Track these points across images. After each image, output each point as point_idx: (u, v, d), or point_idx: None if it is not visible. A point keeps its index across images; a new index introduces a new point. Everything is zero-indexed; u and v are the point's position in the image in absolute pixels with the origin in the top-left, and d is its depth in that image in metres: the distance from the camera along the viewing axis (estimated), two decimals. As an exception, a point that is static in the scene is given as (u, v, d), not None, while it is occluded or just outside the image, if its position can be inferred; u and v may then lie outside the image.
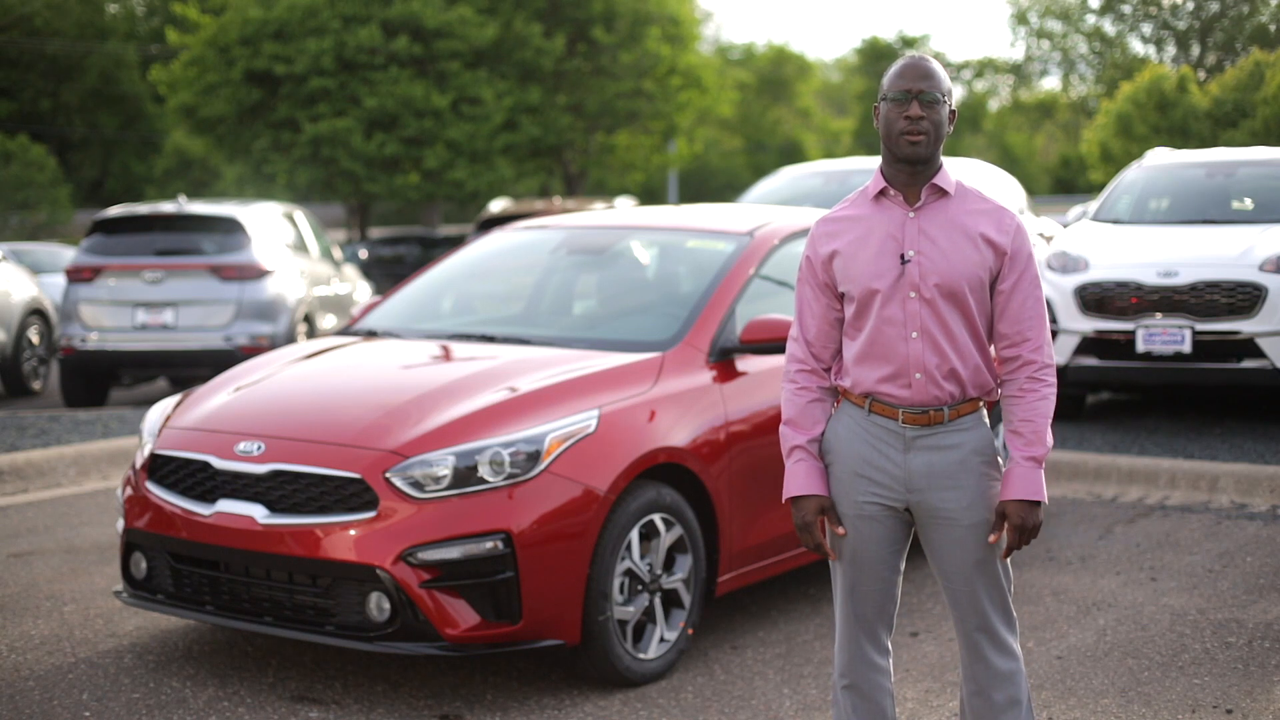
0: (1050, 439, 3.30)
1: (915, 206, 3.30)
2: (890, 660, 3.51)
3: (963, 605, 3.38)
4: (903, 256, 3.26)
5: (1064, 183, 56.33)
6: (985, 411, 3.38)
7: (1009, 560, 3.40)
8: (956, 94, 63.60)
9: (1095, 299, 9.18)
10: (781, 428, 3.43)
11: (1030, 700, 3.43)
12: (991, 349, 3.37)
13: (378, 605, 4.52)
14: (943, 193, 3.31)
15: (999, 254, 3.27)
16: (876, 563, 3.39)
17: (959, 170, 12.22)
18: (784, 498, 3.40)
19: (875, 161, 11.81)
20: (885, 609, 3.45)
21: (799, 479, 3.37)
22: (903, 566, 3.48)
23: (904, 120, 3.23)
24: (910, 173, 3.29)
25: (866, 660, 3.46)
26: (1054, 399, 3.31)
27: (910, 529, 3.43)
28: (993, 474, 3.34)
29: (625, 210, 8.19)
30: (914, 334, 3.26)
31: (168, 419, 5.26)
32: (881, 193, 3.33)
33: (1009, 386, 3.33)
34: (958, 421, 3.31)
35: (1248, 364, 8.87)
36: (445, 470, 4.55)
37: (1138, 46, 49.06)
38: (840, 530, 3.37)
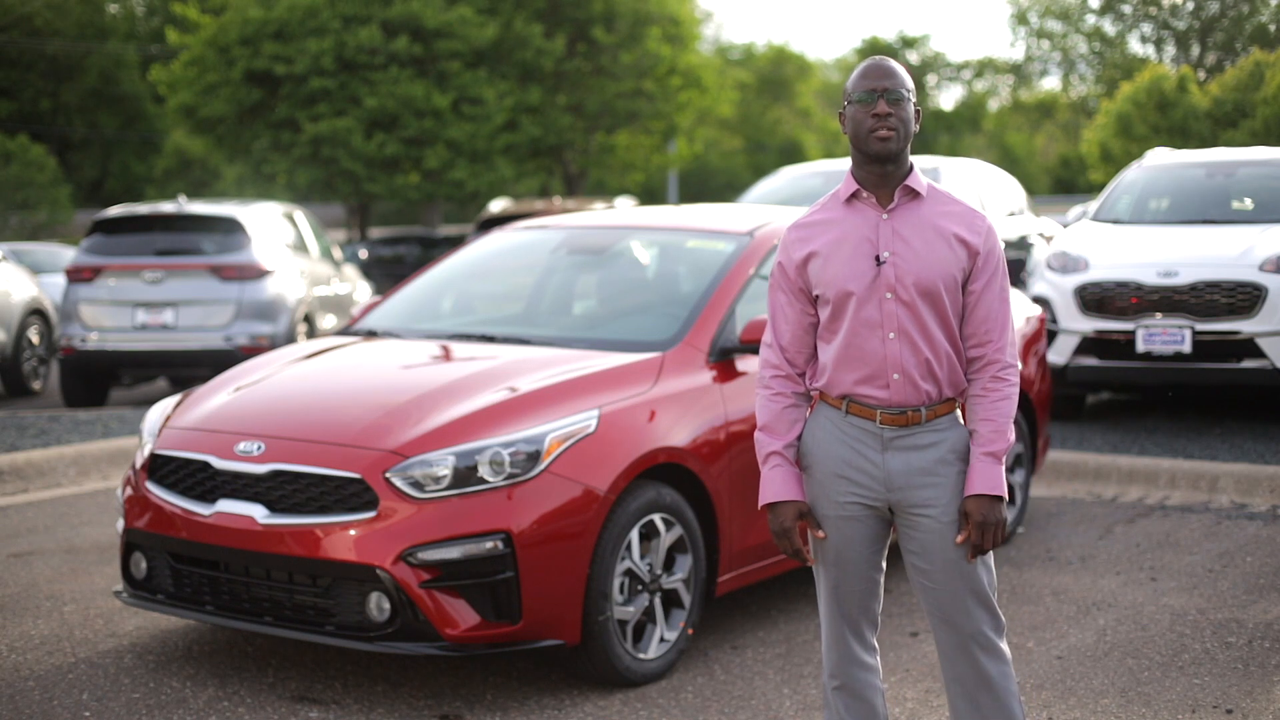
0: (1011, 436, 3.31)
1: (888, 208, 3.32)
2: (878, 658, 3.52)
3: (945, 605, 3.37)
4: (878, 258, 3.28)
5: (1064, 183, 56.33)
6: (960, 413, 3.40)
7: (991, 559, 3.39)
8: (956, 94, 63.78)
9: (1095, 299, 9.17)
10: (757, 434, 3.44)
11: (1020, 702, 3.42)
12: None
13: (378, 605, 4.52)
14: (915, 194, 3.33)
15: (972, 254, 3.30)
16: (860, 562, 3.40)
17: (958, 170, 12.22)
18: (760, 504, 3.40)
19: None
20: (870, 607, 3.46)
21: (775, 485, 3.38)
22: (884, 565, 3.49)
23: (872, 118, 3.26)
24: (881, 173, 3.31)
25: (855, 660, 3.46)
26: (1015, 399, 3.33)
27: (890, 527, 3.44)
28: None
29: (625, 210, 8.19)
30: (891, 334, 3.28)
31: (168, 419, 5.26)
32: (854, 195, 3.35)
33: (972, 386, 3.35)
34: (934, 422, 3.32)
35: (1248, 364, 8.87)
36: (445, 470, 4.55)
37: (1137, 46, 49.08)
38: (820, 534, 3.38)
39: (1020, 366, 3.35)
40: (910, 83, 3.31)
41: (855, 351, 3.31)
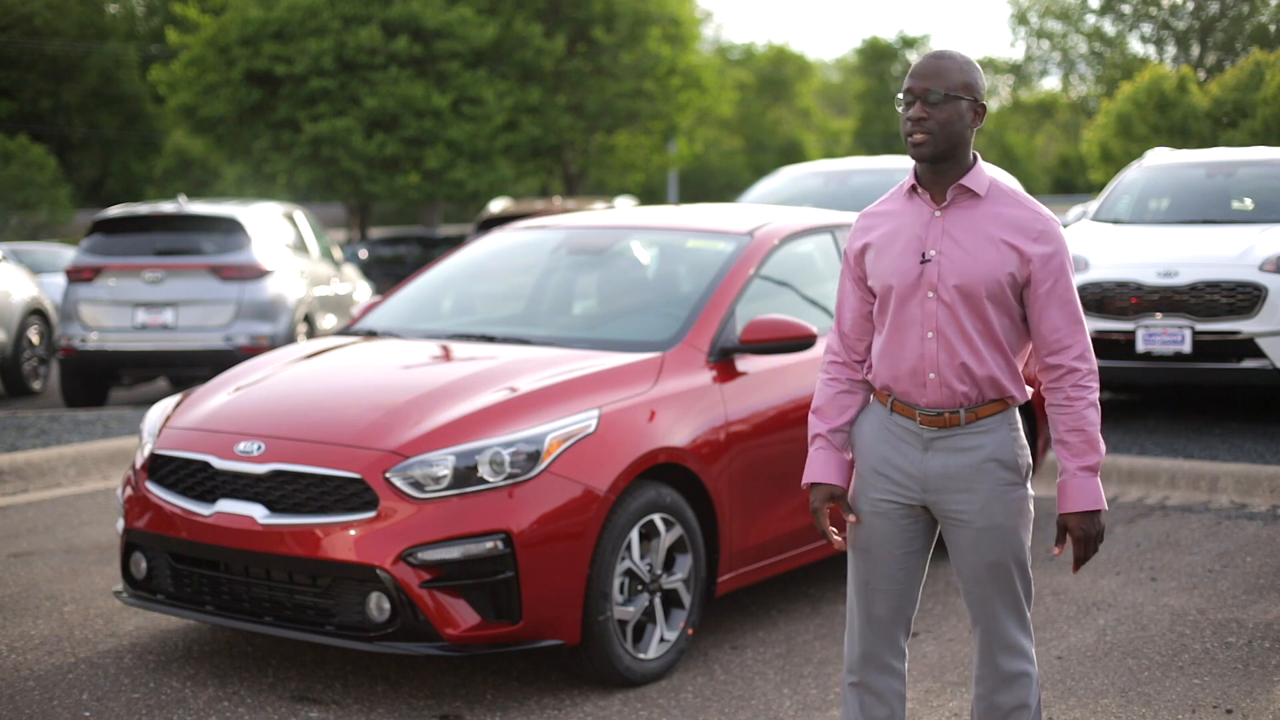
0: (1102, 446, 3.27)
1: (942, 206, 3.28)
2: (905, 664, 3.48)
3: (976, 606, 3.37)
4: (923, 256, 3.25)
5: (1064, 183, 56.30)
6: (1015, 413, 3.32)
7: (1029, 567, 3.36)
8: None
9: (1095, 299, 9.18)
10: (810, 415, 3.47)
11: (1040, 706, 3.41)
12: (1020, 357, 3.33)
13: (378, 605, 4.52)
14: (972, 194, 3.27)
15: (1024, 260, 3.21)
16: (889, 561, 3.39)
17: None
18: (802, 482, 3.44)
19: (875, 161, 11.78)
20: (902, 611, 3.43)
21: (814, 467, 3.41)
22: (922, 569, 3.45)
23: (908, 121, 3.23)
24: (933, 171, 3.27)
25: (877, 660, 3.44)
26: (1098, 406, 3.27)
27: (932, 531, 3.42)
28: (1011, 479, 3.30)
29: (625, 210, 8.19)
30: (930, 334, 3.25)
31: (168, 419, 5.26)
32: (913, 189, 3.33)
33: (1054, 395, 3.28)
34: (976, 424, 3.28)
35: (1248, 364, 8.87)
36: (445, 470, 4.55)
37: (1137, 46, 49.04)
38: (852, 518, 3.39)
39: (1095, 372, 3.29)
40: (960, 79, 3.21)
41: (896, 347, 3.30)
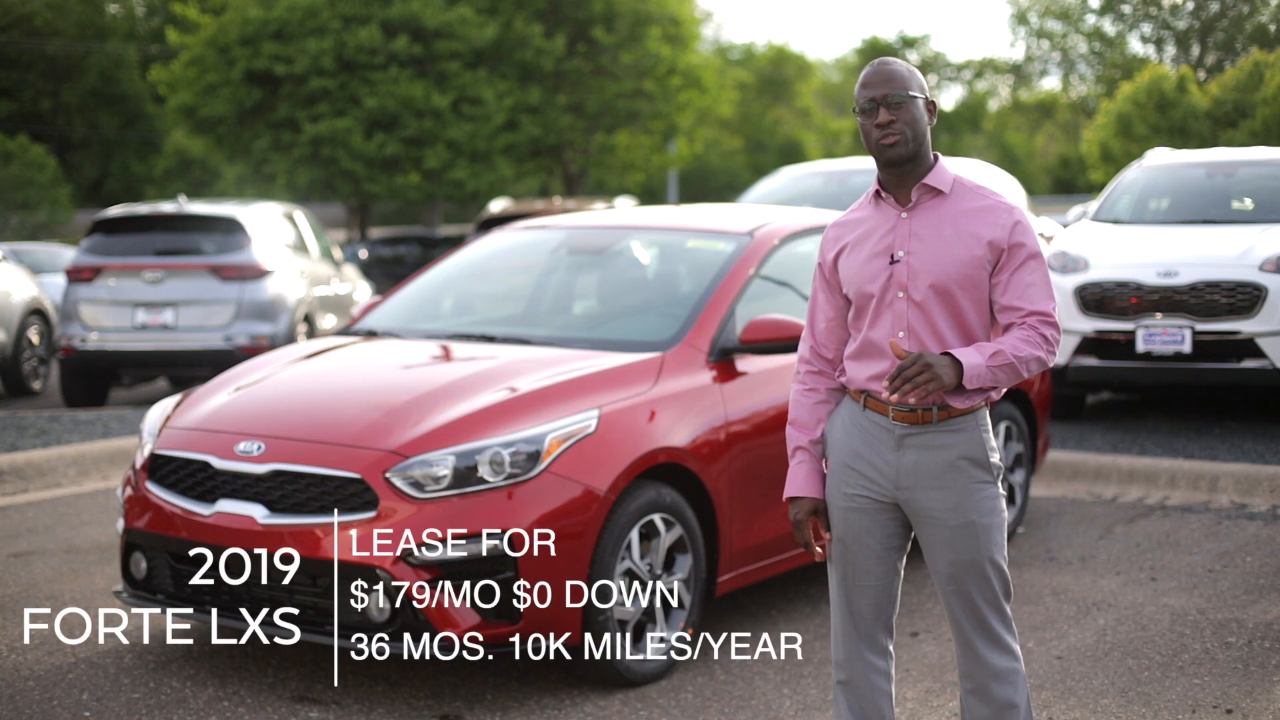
0: (1006, 361, 3.18)
1: (908, 207, 3.34)
2: (891, 663, 3.51)
3: (955, 604, 3.39)
4: (892, 257, 3.31)
5: (1064, 183, 56.28)
6: (985, 414, 3.37)
7: (1004, 562, 3.38)
8: (956, 94, 63.70)
9: (1095, 299, 9.18)
10: (787, 427, 3.50)
11: (1030, 701, 3.43)
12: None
13: (377, 605, 4.52)
14: (936, 192, 3.33)
15: (995, 250, 3.28)
16: (866, 556, 3.42)
17: (960, 168, 12.21)
18: (784, 496, 3.47)
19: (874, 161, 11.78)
20: (882, 609, 3.46)
21: (797, 480, 3.45)
22: (900, 568, 3.48)
23: (876, 129, 3.29)
24: (899, 174, 3.34)
25: (863, 659, 3.47)
26: (1039, 349, 3.22)
27: (908, 531, 3.45)
28: (983, 477, 3.33)
29: (625, 210, 8.20)
30: (901, 333, 3.30)
31: (168, 419, 5.26)
32: (878, 195, 3.38)
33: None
34: (949, 422, 3.31)
35: (1248, 364, 8.87)
36: (445, 470, 4.55)
37: (1138, 46, 49.05)
38: (826, 536, 3.44)
39: (1058, 335, 3.26)
40: (914, 80, 3.32)
41: (870, 348, 3.35)
